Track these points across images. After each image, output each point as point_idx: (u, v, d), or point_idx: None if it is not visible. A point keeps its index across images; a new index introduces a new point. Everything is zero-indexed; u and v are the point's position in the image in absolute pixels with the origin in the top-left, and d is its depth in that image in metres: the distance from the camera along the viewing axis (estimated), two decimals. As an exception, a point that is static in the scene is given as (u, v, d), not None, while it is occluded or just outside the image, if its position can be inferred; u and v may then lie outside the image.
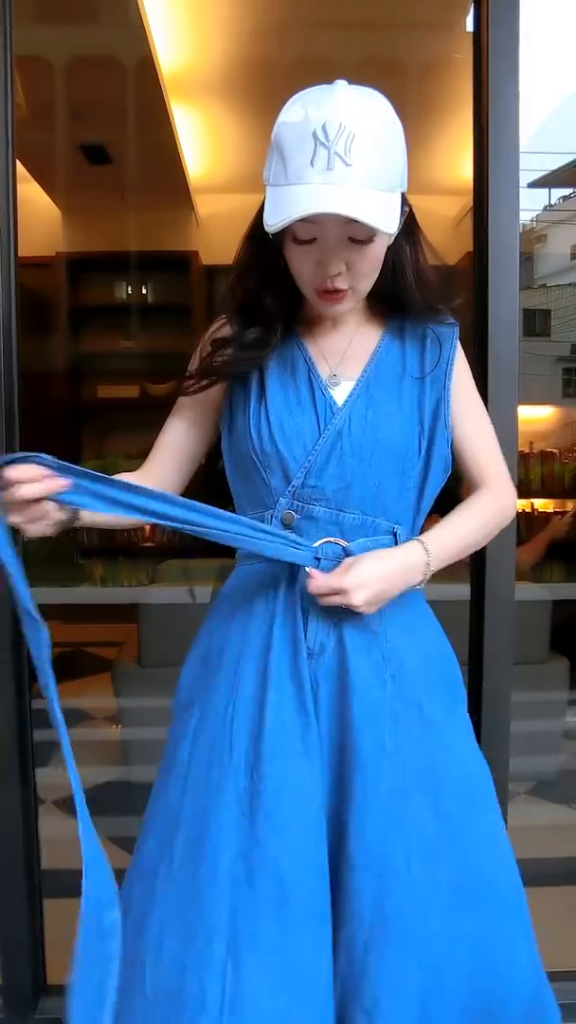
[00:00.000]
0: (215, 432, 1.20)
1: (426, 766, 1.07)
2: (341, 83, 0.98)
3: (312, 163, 0.93)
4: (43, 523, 0.96)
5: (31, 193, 4.14)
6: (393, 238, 1.04)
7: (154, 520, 1.00)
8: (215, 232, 4.42)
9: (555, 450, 4.51)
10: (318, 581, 1.03)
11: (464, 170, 1.59)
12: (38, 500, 0.92)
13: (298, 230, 0.99)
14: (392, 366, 1.12)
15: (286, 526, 1.09)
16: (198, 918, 1.00)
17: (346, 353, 1.13)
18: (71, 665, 3.80)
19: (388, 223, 0.96)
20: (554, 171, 6.40)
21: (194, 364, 1.16)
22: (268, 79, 2.85)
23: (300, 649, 1.06)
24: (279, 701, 1.05)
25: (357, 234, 0.99)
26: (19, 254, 1.57)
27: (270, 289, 1.10)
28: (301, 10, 2.70)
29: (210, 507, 1.03)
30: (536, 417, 5.21)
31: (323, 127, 0.93)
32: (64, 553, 3.62)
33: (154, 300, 4.73)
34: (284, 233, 1.01)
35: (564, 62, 3.31)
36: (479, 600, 1.57)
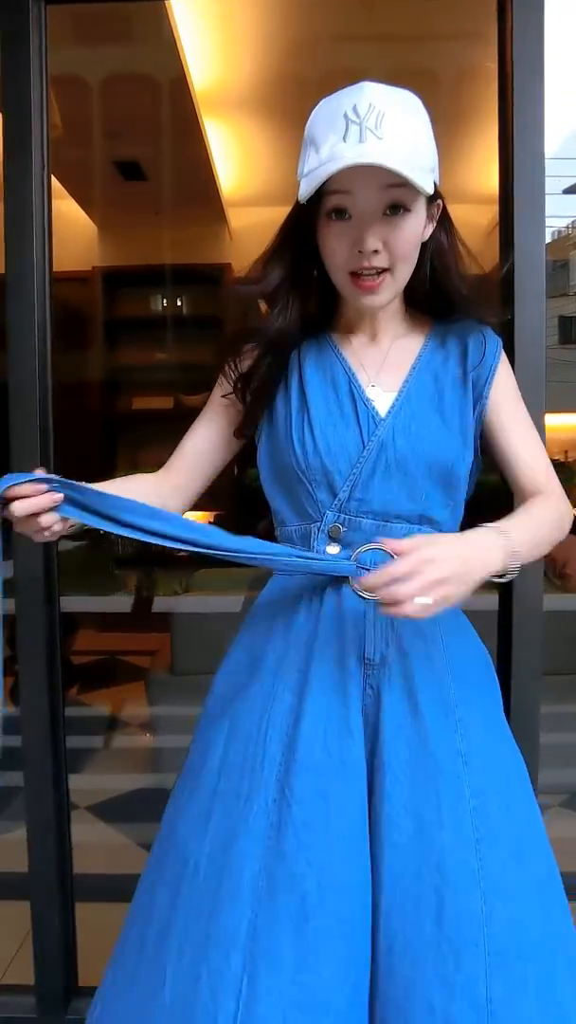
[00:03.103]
0: (241, 442, 1.19)
1: (490, 765, 1.05)
2: (366, 81, 1.00)
3: (345, 139, 0.95)
4: (46, 533, 0.98)
5: (68, 209, 4.22)
6: (428, 229, 1.04)
7: (156, 540, 1.00)
8: (248, 245, 4.42)
9: (592, 459, 4.47)
10: (370, 578, 0.90)
11: (496, 179, 1.59)
12: (36, 514, 0.95)
13: (333, 200, 0.99)
14: (433, 376, 1.10)
15: (333, 539, 1.07)
16: (218, 929, 0.98)
17: (385, 363, 1.11)
18: (106, 673, 3.84)
19: (425, 181, 0.96)
20: (590, 177, 6.34)
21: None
22: (299, 92, 2.85)
23: (347, 660, 1.04)
24: (316, 714, 1.02)
25: (395, 197, 0.98)
26: (57, 269, 1.61)
27: (298, 268, 1.09)
28: (331, 24, 2.71)
29: (220, 530, 1.00)
30: (572, 425, 5.14)
31: (354, 108, 0.96)
32: (100, 563, 3.66)
33: (188, 312, 4.78)
34: (319, 212, 1.01)
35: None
36: (507, 611, 1.56)
